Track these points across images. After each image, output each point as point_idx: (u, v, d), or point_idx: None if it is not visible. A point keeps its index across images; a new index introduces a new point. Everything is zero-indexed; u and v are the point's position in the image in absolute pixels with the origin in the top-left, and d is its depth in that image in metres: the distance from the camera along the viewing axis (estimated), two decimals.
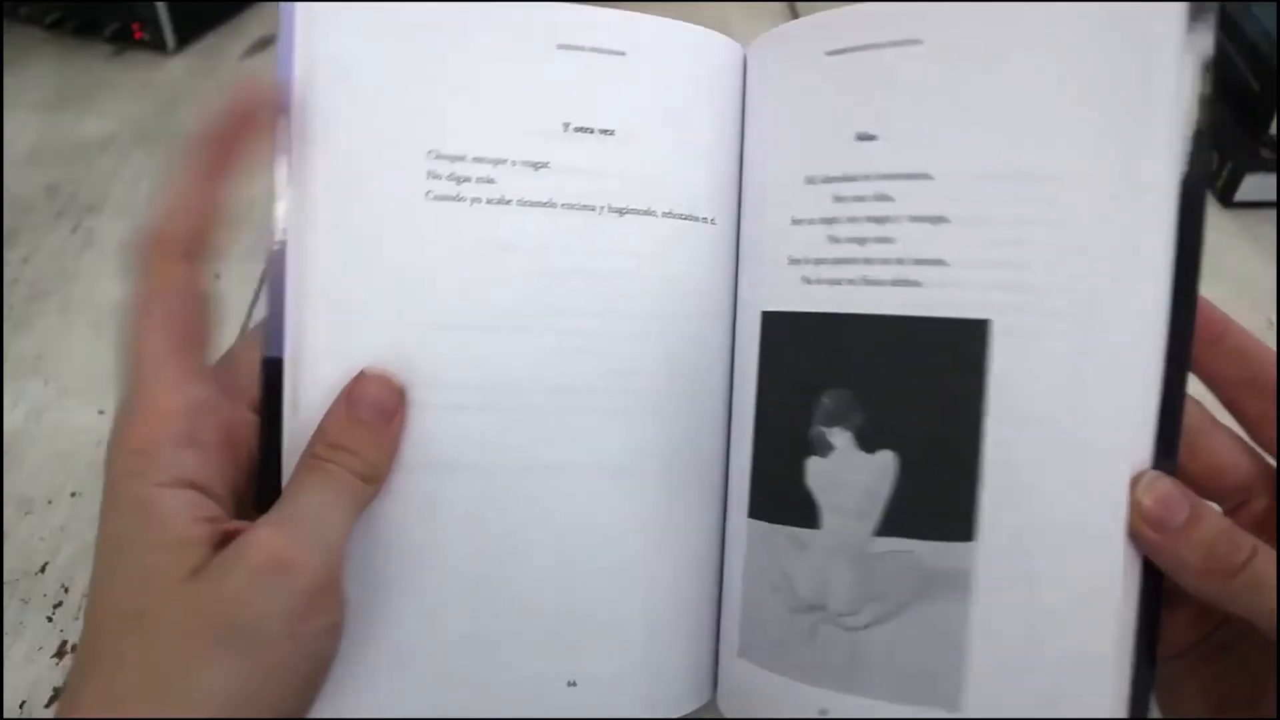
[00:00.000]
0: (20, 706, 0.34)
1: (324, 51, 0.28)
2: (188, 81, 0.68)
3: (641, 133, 0.30)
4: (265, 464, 0.27)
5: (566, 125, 0.30)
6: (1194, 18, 0.25)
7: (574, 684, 0.30)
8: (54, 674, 0.35)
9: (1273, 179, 0.56)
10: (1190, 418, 0.24)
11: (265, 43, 0.73)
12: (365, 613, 0.28)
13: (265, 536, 0.24)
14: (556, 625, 0.30)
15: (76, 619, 0.36)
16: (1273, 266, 0.53)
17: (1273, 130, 0.55)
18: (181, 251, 0.26)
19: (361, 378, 0.27)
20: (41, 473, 0.42)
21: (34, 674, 0.35)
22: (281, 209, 0.28)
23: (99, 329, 0.49)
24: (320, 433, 0.26)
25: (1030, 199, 0.26)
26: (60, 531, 0.39)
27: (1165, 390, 0.24)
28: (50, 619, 0.36)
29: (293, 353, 0.28)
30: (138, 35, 0.69)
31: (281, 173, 0.28)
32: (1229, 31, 0.59)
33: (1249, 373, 0.25)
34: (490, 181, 0.29)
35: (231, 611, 0.23)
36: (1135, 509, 0.23)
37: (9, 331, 0.48)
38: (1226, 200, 0.57)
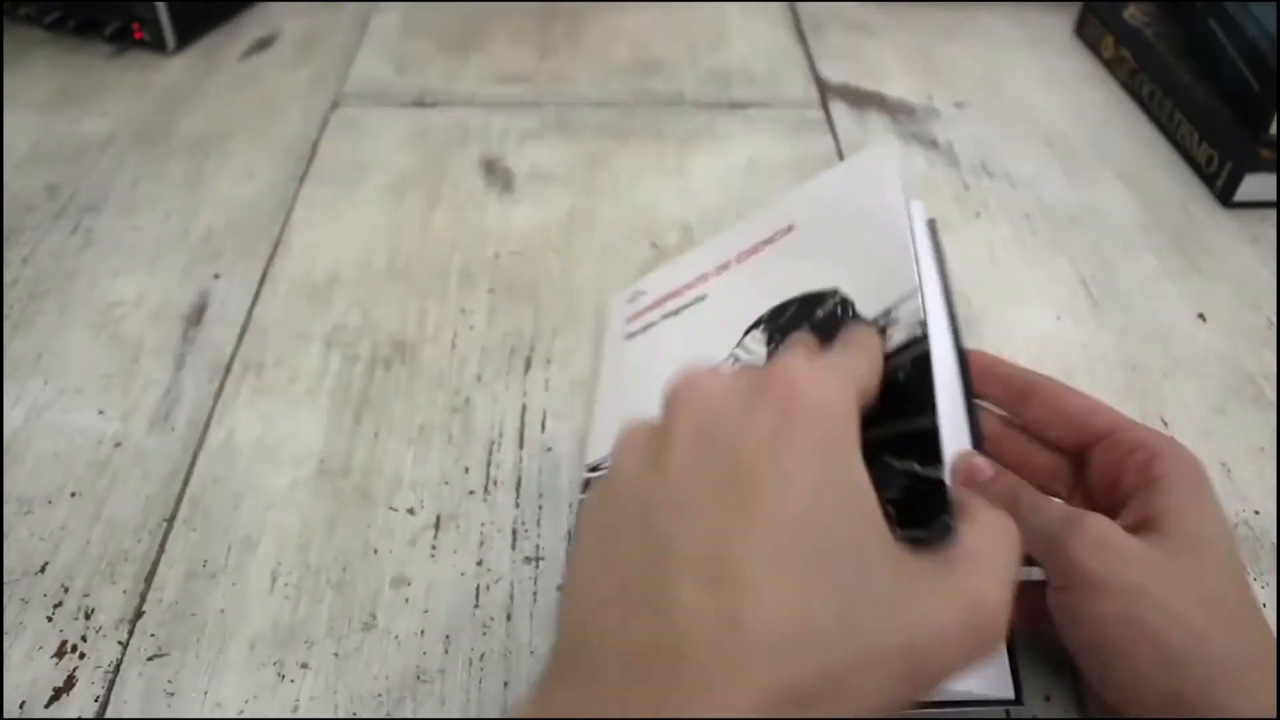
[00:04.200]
0: (20, 706, 0.34)
1: None
2: (188, 81, 0.68)
3: None
4: None
5: None
6: None
7: None
8: (54, 674, 0.35)
9: (1273, 179, 0.56)
10: (990, 426, 0.36)
11: (265, 43, 0.73)
12: None
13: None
14: None
15: (76, 619, 0.36)
16: (1273, 266, 0.53)
17: (1273, 130, 0.55)
18: None
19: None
20: (41, 473, 0.42)
21: (34, 674, 0.35)
22: None
23: (99, 329, 0.49)
24: None
25: None
26: (60, 531, 0.39)
27: (969, 412, 0.34)
28: (50, 619, 0.36)
29: None
30: (138, 35, 0.69)
31: None
32: (1229, 31, 0.59)
33: (1055, 413, 0.35)
34: None
35: None
36: (954, 473, 0.32)
37: (9, 331, 0.48)
38: (1226, 200, 0.57)
